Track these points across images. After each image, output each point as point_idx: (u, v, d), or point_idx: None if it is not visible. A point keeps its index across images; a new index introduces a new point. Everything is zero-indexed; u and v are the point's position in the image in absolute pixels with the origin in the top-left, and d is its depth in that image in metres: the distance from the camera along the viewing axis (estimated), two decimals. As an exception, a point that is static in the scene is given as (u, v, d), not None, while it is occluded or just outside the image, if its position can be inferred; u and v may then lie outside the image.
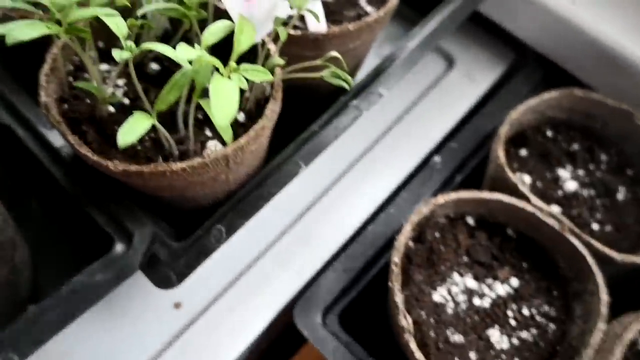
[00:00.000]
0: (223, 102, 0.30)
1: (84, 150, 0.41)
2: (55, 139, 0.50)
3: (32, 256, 0.55)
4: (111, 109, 0.47)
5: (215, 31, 0.37)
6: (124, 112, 0.48)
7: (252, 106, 0.49)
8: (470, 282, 0.54)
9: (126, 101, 0.49)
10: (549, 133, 0.64)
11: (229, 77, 0.34)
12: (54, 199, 0.53)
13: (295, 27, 0.52)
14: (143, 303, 0.57)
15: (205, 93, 0.41)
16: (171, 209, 0.53)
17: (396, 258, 0.50)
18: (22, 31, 0.33)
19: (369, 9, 0.58)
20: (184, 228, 0.53)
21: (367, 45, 0.58)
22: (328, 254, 0.60)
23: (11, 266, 0.48)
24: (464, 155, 0.66)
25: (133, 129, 0.33)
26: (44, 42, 0.46)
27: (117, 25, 0.36)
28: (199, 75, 0.36)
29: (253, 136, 0.43)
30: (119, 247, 0.47)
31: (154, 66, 0.51)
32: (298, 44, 0.52)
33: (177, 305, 0.57)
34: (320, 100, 0.63)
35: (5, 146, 0.53)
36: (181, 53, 0.31)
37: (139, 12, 0.39)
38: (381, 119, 0.70)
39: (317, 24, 0.50)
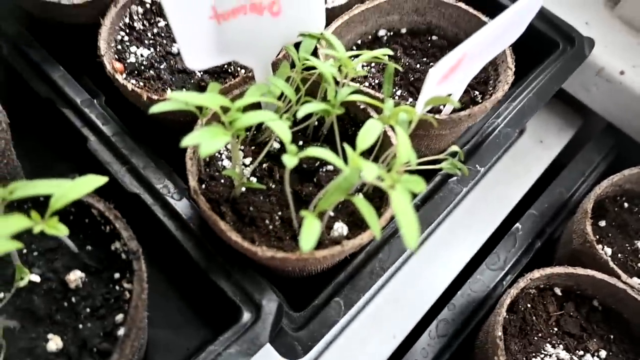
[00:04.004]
0: (408, 223, 0.33)
1: (235, 237, 0.45)
2: (183, 208, 0.54)
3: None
4: (243, 188, 0.51)
5: (367, 135, 0.41)
6: (253, 191, 0.51)
7: (369, 187, 0.52)
8: (563, 354, 0.56)
9: (253, 179, 0.53)
10: (626, 204, 0.68)
11: (392, 187, 0.37)
12: (177, 264, 0.56)
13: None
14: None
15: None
16: (281, 277, 0.56)
17: (499, 332, 0.53)
18: (210, 143, 0.36)
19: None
20: (296, 294, 0.57)
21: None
22: (418, 317, 0.63)
23: None
24: (544, 223, 0.69)
25: (312, 234, 0.36)
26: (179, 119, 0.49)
27: (284, 131, 0.40)
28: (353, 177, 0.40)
29: (382, 224, 0.47)
30: (246, 317, 0.50)
31: (276, 145, 0.55)
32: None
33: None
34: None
35: (134, 214, 0.56)
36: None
37: (300, 114, 0.43)
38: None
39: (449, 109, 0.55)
